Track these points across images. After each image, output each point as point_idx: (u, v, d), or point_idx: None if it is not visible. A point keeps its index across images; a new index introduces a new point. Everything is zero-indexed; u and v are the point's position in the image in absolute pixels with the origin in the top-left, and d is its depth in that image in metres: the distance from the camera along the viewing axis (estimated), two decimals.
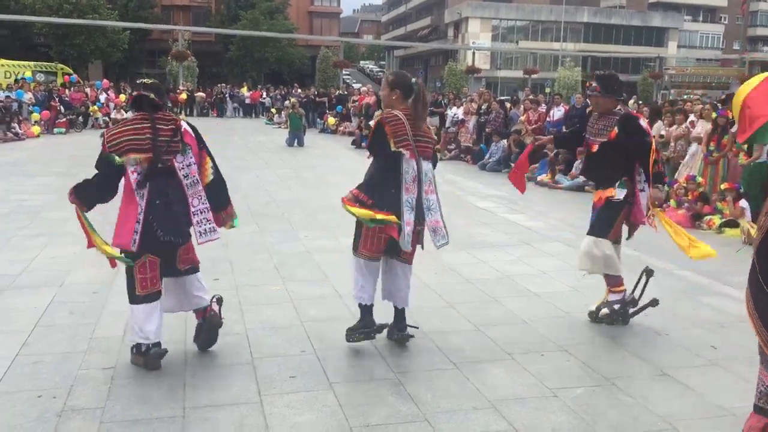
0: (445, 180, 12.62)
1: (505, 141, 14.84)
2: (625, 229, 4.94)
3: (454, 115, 17.53)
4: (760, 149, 8.84)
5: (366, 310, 4.28)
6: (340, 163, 15.77)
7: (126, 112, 24.50)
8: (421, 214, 4.18)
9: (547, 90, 38.04)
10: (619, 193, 4.69)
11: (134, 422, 3.34)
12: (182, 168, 3.90)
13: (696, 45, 66.99)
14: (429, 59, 68.52)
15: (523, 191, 5.45)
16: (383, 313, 4.37)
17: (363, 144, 17.88)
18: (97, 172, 3.88)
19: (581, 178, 10.77)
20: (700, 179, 9.66)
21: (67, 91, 25.11)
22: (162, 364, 3.97)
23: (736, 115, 2.36)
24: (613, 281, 4.78)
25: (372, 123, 4.27)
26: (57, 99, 23.08)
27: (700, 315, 5.17)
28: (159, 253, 3.89)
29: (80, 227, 3.96)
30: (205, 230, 4.00)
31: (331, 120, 25.03)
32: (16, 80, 26.17)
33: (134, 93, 3.94)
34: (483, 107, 16.65)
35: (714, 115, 10.15)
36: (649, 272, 4.84)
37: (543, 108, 15.77)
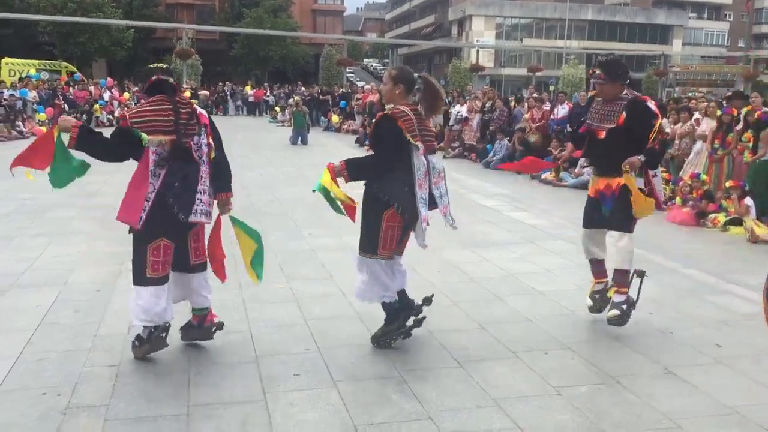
0: (449, 178, 12.58)
1: (507, 139, 14.82)
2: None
3: (458, 113, 17.50)
4: (765, 147, 8.81)
5: (393, 308, 4.28)
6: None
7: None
8: (434, 203, 4.20)
9: (552, 88, 38.02)
10: (636, 182, 4.58)
11: (138, 420, 3.35)
12: (197, 150, 3.93)
13: (701, 42, 66.79)
14: (433, 57, 68.47)
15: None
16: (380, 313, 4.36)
17: (366, 142, 17.90)
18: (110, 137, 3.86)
19: (586, 176, 10.73)
20: (704, 177, 9.63)
21: (71, 89, 25.17)
22: (166, 362, 3.98)
23: None
24: (624, 280, 4.69)
25: (376, 118, 4.23)
26: (61, 97, 23.13)
27: (704, 313, 5.15)
28: (172, 238, 3.91)
29: (37, 146, 3.91)
30: (201, 211, 3.94)
31: (335, 118, 25.05)
32: (20, 78, 26.24)
33: (153, 77, 3.92)
34: (487, 105, 16.62)
35: (719, 112, 10.11)
36: (640, 273, 4.77)
37: (547, 106, 15.74)
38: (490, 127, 15.91)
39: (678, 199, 9.53)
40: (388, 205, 4.08)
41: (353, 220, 4.22)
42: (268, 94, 33.58)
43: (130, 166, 3.88)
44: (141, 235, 3.85)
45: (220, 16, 53.52)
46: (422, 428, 3.32)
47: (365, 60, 79.35)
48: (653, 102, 4.78)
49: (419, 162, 4.09)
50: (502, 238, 7.66)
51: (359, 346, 4.34)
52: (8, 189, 10.10)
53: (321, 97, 28.19)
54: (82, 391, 3.64)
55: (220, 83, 34.70)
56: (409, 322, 4.35)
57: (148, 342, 3.97)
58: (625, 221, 4.62)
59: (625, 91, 4.64)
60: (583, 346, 4.44)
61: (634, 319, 4.72)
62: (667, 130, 11.51)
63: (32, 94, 22.18)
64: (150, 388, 3.70)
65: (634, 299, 4.70)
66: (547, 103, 16.13)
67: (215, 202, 4.11)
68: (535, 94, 17.92)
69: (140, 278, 3.90)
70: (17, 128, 18.98)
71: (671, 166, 11.06)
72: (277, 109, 29.57)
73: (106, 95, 25.62)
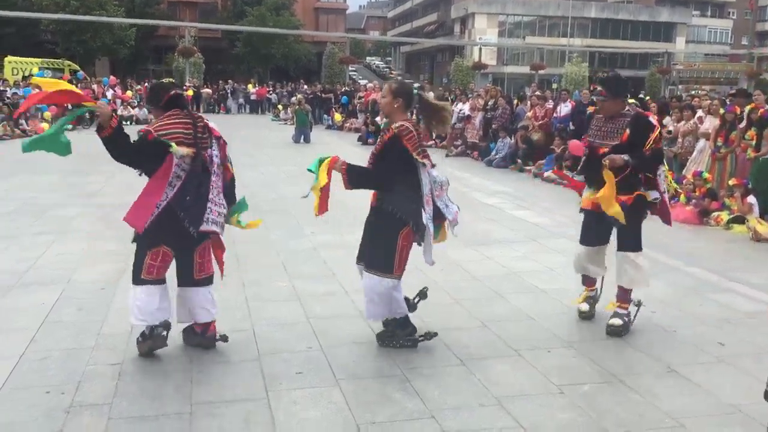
0: (452, 176, 12.57)
1: (510, 138, 14.80)
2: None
3: (461, 111, 17.49)
4: None
5: (408, 318, 4.32)
6: (346, 159, 15.71)
7: (133, 109, 24.65)
8: (440, 215, 4.22)
9: (554, 86, 37.96)
10: (652, 195, 4.58)
11: (141, 418, 3.36)
12: (210, 163, 4.03)
13: (704, 40, 66.61)
14: (435, 55, 68.40)
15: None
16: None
17: (369, 140, 17.90)
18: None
19: None
20: (706, 175, 9.60)
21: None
22: (169, 361, 3.99)
23: None
24: (627, 297, 4.68)
25: (383, 137, 4.16)
26: None
27: (707, 312, 5.15)
28: (175, 247, 3.98)
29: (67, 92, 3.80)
30: (211, 220, 4.01)
31: (338, 116, 25.05)
32: (24, 77, 26.26)
33: (171, 92, 4.02)
34: (489, 103, 16.60)
35: (722, 110, 10.10)
36: (638, 303, 4.72)
37: (550, 104, 15.72)
38: (493, 126, 15.89)
39: (682, 197, 9.52)
40: (404, 224, 4.08)
41: (317, 212, 4.17)
42: (271, 92, 33.55)
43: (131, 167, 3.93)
44: (143, 239, 3.93)
45: (223, 14, 53.54)
46: (424, 427, 3.32)
47: (368, 58, 79.34)
48: (655, 117, 4.75)
49: (426, 179, 4.11)
50: (505, 236, 7.66)
51: (361, 344, 4.34)
52: (9, 188, 10.13)
53: (323, 95, 28.18)
54: (86, 389, 3.65)
55: (221, 81, 34.65)
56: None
57: (150, 338, 4.01)
58: (638, 237, 4.62)
59: (627, 107, 4.62)
60: (585, 345, 4.44)
61: (637, 317, 4.72)
62: (670, 128, 11.51)
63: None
64: (153, 386, 3.71)
65: (633, 319, 4.71)
66: (550, 101, 16.11)
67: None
68: (537, 92, 17.90)
69: (136, 278, 3.98)
70: (20, 127, 19.00)
71: (674, 164, 11.04)
72: (280, 107, 29.57)
73: (109, 93, 25.64)
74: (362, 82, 39.07)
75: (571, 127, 13.71)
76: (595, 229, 4.78)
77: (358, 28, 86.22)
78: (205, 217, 3.96)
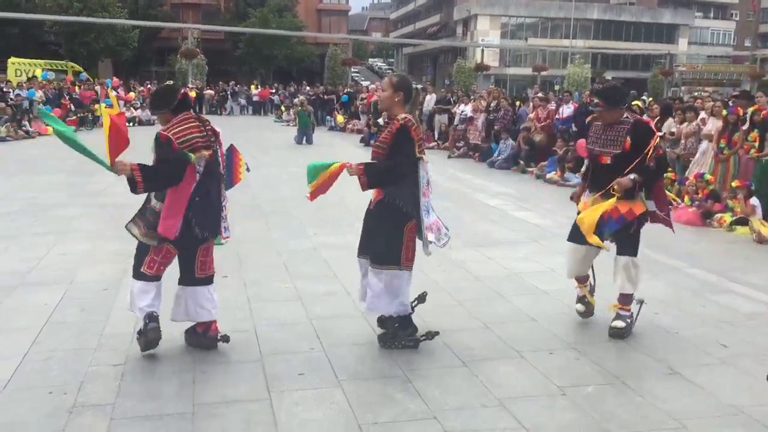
0: (454, 177, 12.61)
1: (512, 140, 14.80)
2: None
3: (463, 112, 17.49)
4: None
5: (410, 318, 4.32)
6: (349, 160, 15.71)
7: (135, 110, 24.67)
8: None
9: (557, 87, 37.92)
10: (650, 206, 4.61)
11: (144, 418, 3.37)
12: (219, 164, 4.10)
13: (707, 42, 66.53)
14: (438, 57, 68.40)
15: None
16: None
17: (371, 141, 17.85)
18: (163, 166, 3.87)
19: None
20: (708, 177, 9.59)
21: (77, 89, 25.23)
22: (171, 361, 3.99)
23: None
24: (628, 300, 4.68)
25: (391, 128, 4.11)
26: (68, 97, 23.19)
27: (709, 313, 5.14)
28: (180, 246, 4.01)
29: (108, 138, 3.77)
30: (227, 227, 4.19)
31: (340, 118, 25.05)
32: (27, 78, 26.32)
33: (182, 92, 4.06)
34: (492, 104, 16.60)
35: (725, 112, 10.08)
36: (639, 301, 4.73)
37: (552, 105, 15.71)
38: (495, 127, 15.89)
39: (686, 199, 9.51)
40: (409, 217, 4.11)
41: (310, 198, 4.27)
42: (275, 93, 33.57)
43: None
44: (158, 238, 3.95)
45: (225, 15, 53.61)
46: (426, 427, 3.32)
47: (370, 59, 79.36)
48: (653, 124, 4.78)
49: (424, 171, 4.14)
50: (507, 238, 7.66)
51: (363, 345, 4.35)
52: (10, 189, 10.15)
53: (326, 96, 28.19)
54: (88, 389, 3.66)
55: (221, 82, 34.61)
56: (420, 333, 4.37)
57: (144, 335, 4.03)
58: (636, 244, 4.64)
59: (625, 115, 4.62)
60: (587, 346, 4.43)
61: (639, 319, 4.72)
62: (673, 129, 11.50)
63: (39, 94, 22.25)
64: (155, 386, 3.72)
65: (635, 318, 4.71)
66: (552, 102, 16.10)
67: None
68: (540, 94, 17.89)
69: (136, 272, 4.03)
70: (24, 128, 19.05)
71: (677, 166, 11.03)
72: (283, 108, 29.59)
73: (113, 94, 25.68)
74: (365, 83, 39.15)
75: (574, 128, 13.71)
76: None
77: (361, 29, 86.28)
78: (223, 225, 4.09)
